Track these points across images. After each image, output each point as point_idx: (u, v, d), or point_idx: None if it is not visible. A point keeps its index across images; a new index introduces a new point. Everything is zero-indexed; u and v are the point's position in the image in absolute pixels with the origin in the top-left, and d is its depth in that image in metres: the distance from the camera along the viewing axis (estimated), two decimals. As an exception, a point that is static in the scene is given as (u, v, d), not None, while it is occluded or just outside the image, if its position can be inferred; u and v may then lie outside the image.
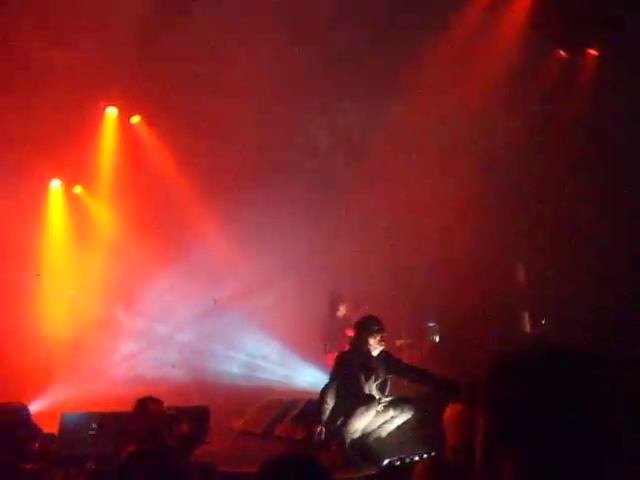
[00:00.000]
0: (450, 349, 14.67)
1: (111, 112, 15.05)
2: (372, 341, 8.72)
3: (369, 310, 13.46)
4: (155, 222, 14.89)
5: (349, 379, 8.60)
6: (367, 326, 8.87)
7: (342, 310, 12.79)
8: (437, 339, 16.23)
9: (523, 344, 14.34)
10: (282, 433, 10.41)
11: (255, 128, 14.74)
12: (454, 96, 14.24)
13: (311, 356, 12.93)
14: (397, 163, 14.95)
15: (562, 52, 14.41)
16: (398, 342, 14.50)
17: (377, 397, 8.62)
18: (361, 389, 8.59)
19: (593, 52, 14.40)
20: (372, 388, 8.69)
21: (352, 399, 8.44)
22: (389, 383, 8.93)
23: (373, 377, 8.68)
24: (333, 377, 8.81)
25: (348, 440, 8.36)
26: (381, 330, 8.79)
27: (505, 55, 13.49)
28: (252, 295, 14.28)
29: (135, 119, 15.28)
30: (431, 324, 16.34)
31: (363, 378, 8.62)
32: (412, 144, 14.98)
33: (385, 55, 13.30)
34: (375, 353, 8.78)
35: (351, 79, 14.13)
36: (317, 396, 8.95)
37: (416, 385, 9.88)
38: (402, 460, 8.44)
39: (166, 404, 9.00)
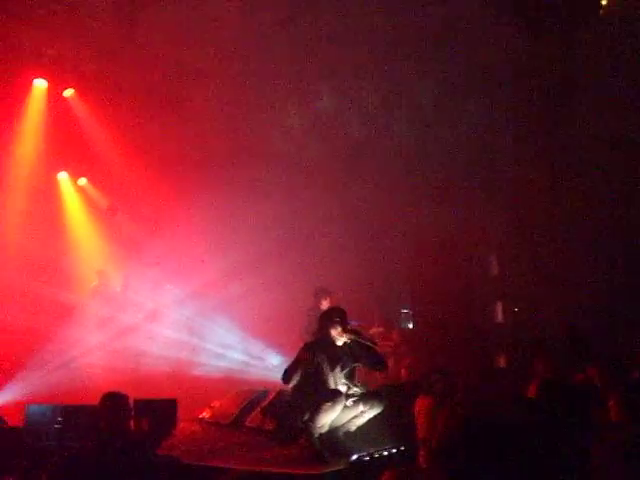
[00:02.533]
0: (423, 338, 14.65)
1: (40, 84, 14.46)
2: (333, 332, 8.67)
3: (341, 298, 13.47)
4: (127, 209, 14.72)
5: (313, 371, 8.52)
6: (328, 317, 8.81)
7: (325, 304, 12.69)
8: (410, 326, 16.22)
9: (494, 334, 14.42)
10: (252, 424, 10.32)
11: (222, 109, 14.49)
12: (426, 80, 14.20)
13: (288, 348, 12.78)
14: (371, 144, 14.84)
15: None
16: (371, 330, 14.47)
17: (344, 389, 8.54)
18: (326, 382, 8.50)
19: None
20: (338, 379, 8.59)
21: (318, 393, 8.35)
22: (356, 372, 8.84)
23: (338, 367, 8.60)
24: (289, 367, 8.68)
25: (316, 435, 8.28)
26: (341, 321, 8.69)
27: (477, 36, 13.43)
28: (225, 284, 14.09)
29: (68, 92, 14.75)
30: (404, 310, 16.33)
31: (328, 370, 8.53)
32: (387, 123, 14.87)
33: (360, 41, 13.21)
34: (339, 343, 8.68)
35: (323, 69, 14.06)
36: (288, 388, 8.88)
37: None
38: (371, 455, 8.40)
39: (133, 396, 8.95)
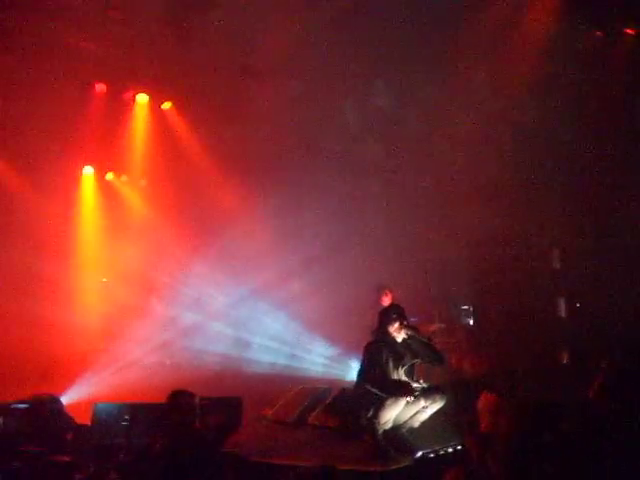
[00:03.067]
0: (485, 335, 14.57)
1: (142, 99, 14.95)
2: (391, 329, 8.81)
3: (401, 295, 13.46)
4: (188, 209, 14.87)
5: (377, 369, 8.59)
6: (386, 315, 8.91)
7: (387, 300, 12.69)
8: (471, 322, 16.11)
9: (556, 330, 14.25)
10: (315, 421, 10.30)
11: (289, 111, 14.58)
12: (488, 76, 14.10)
13: (352, 347, 12.78)
14: (429, 148, 14.78)
15: (598, 32, 14.10)
16: (432, 327, 14.43)
17: (406, 384, 8.56)
18: (389, 378, 8.56)
19: (630, 32, 14.09)
20: (401, 375, 8.66)
21: (380, 390, 8.40)
22: (416, 368, 8.88)
23: (400, 364, 8.68)
24: (362, 367, 8.79)
25: (380, 431, 8.32)
26: (399, 317, 8.81)
27: (540, 36, 13.27)
28: (286, 282, 14.17)
29: (166, 105, 15.18)
30: (465, 307, 16.22)
31: (391, 366, 8.63)
32: (447, 129, 14.80)
33: (417, 38, 13.13)
34: (399, 339, 8.74)
35: (383, 63, 14.01)
36: (351, 385, 8.94)
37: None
38: (436, 452, 8.40)
39: (199, 394, 9.06)
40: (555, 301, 15.12)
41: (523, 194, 14.64)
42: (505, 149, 14.58)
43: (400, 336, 8.81)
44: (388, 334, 8.81)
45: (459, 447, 8.60)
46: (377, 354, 8.72)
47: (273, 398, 11.28)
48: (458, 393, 10.33)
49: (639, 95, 13.76)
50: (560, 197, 14.31)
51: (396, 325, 8.79)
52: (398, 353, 8.75)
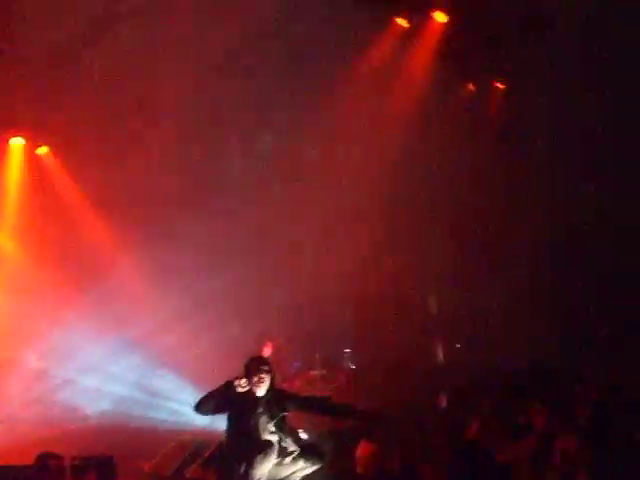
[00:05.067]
0: (367, 378, 14.68)
1: (17, 143, 14.58)
2: (252, 382, 8.46)
3: (283, 343, 13.47)
4: (64, 256, 14.45)
5: (240, 425, 8.43)
6: (248, 367, 8.67)
7: (267, 351, 12.65)
8: (353, 366, 16.21)
9: (435, 374, 14.52)
10: (193, 475, 10.20)
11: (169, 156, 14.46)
12: (370, 124, 14.39)
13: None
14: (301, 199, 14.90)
15: (470, 85, 14.67)
16: (313, 372, 14.47)
17: (275, 438, 8.42)
18: (254, 433, 8.37)
19: (500, 85, 14.71)
20: (266, 430, 8.46)
21: (249, 446, 8.26)
22: (286, 421, 8.73)
23: (264, 419, 8.46)
24: (228, 422, 8.60)
25: (254, 488, 8.17)
26: (259, 370, 8.53)
27: (416, 88, 13.68)
28: (164, 332, 13.90)
29: (42, 150, 14.83)
30: (347, 350, 16.33)
31: (253, 422, 8.41)
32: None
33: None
34: (260, 393, 8.56)
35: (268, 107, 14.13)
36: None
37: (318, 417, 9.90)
38: (313, 505, 8.34)
39: (72, 453, 8.82)
40: (433, 344, 15.44)
41: (403, 238, 14.93)
42: (385, 192, 14.83)
43: (261, 389, 8.59)
44: (231, 384, 8.25)
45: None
46: (238, 409, 8.51)
47: (151, 452, 11.10)
48: (339, 439, 10.42)
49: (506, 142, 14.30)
50: (438, 243, 14.70)
51: (256, 378, 8.41)
52: (258, 406, 8.52)
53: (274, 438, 8.39)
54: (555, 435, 7.23)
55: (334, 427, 11.49)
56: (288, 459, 8.38)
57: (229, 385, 8.43)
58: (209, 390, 8.57)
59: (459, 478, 6.57)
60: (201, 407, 8.42)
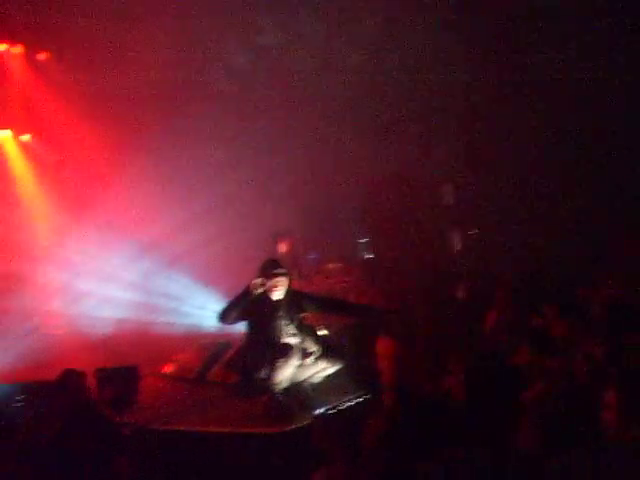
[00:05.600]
0: (383, 269, 14.67)
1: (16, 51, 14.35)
2: (268, 285, 8.52)
3: (299, 240, 13.43)
4: (72, 165, 14.36)
5: (260, 329, 8.47)
6: (262, 271, 8.65)
7: (283, 247, 12.62)
8: (369, 255, 16.23)
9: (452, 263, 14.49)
10: (215, 378, 10.27)
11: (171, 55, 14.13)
12: (375, 18, 14.01)
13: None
14: (319, 84, 14.57)
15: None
16: (330, 266, 14.49)
17: (296, 341, 8.48)
18: (275, 338, 8.44)
19: None
20: (287, 333, 8.51)
21: (269, 350, 8.32)
22: (304, 323, 8.77)
23: (284, 322, 8.51)
24: (247, 328, 8.64)
25: (277, 391, 8.27)
26: (275, 273, 8.58)
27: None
28: (178, 237, 13.85)
29: (42, 56, 14.55)
30: (362, 240, 16.32)
31: (273, 326, 8.46)
32: (337, 64, 14.62)
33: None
34: (277, 297, 8.58)
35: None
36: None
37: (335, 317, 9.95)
38: (338, 407, 8.44)
39: (95, 364, 8.93)
40: (449, 233, 15.36)
41: (416, 129, 14.67)
42: (398, 83, 14.50)
43: (278, 293, 8.61)
44: (253, 288, 8.49)
45: (360, 399, 8.72)
46: (252, 313, 8.53)
47: (172, 355, 11.22)
48: (357, 335, 10.46)
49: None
50: (453, 133, 14.42)
51: (270, 282, 8.54)
52: (276, 308, 8.55)
53: (294, 340, 8.51)
54: (575, 343, 7.07)
55: (352, 322, 11.57)
56: (309, 360, 8.51)
57: (249, 290, 8.46)
58: (229, 298, 8.64)
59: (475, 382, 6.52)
60: (225, 317, 8.51)
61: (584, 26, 12.64)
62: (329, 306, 9.30)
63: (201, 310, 13.13)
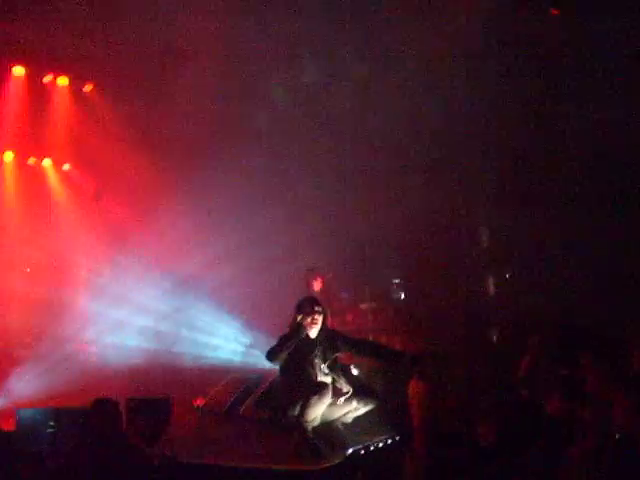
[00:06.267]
0: (417, 311, 14.60)
1: (62, 82, 14.59)
2: (306, 322, 8.57)
3: (332, 277, 13.41)
4: (112, 195, 14.51)
5: (294, 366, 8.48)
6: (300, 308, 8.70)
7: (316, 285, 12.63)
8: (402, 296, 16.15)
9: (486, 307, 14.37)
10: (246, 413, 10.26)
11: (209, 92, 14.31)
12: (417, 51, 14.08)
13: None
14: (358, 124, 14.65)
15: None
16: (363, 306, 14.45)
17: (329, 380, 8.49)
18: (309, 374, 8.44)
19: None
20: (320, 371, 8.52)
21: (303, 387, 8.32)
22: (337, 362, 8.75)
23: (318, 360, 8.52)
24: (281, 364, 8.65)
25: (309, 428, 8.25)
26: (313, 311, 8.61)
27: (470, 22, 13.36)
28: (212, 271, 13.93)
29: (88, 88, 14.79)
30: (396, 281, 16.25)
31: (308, 363, 8.47)
32: (376, 104, 14.70)
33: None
34: (313, 335, 8.61)
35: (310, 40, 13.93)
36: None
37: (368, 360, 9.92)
38: (367, 447, 8.39)
39: (126, 394, 8.95)
40: (485, 278, 15.25)
41: (454, 173, 14.66)
42: (437, 126, 14.53)
43: (314, 330, 8.65)
44: (302, 328, 8.60)
45: (390, 440, 8.67)
46: (291, 351, 8.54)
47: (204, 388, 11.23)
48: (390, 377, 10.42)
49: (565, 79, 13.82)
50: (489, 178, 14.37)
51: (309, 318, 8.59)
52: (312, 347, 8.57)
53: (328, 379, 8.51)
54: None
55: (384, 364, 11.53)
56: (341, 399, 8.50)
57: (299, 329, 8.53)
58: (279, 335, 8.69)
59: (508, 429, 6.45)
60: (275, 357, 8.51)
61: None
62: (363, 348, 9.25)
63: (234, 344, 13.15)
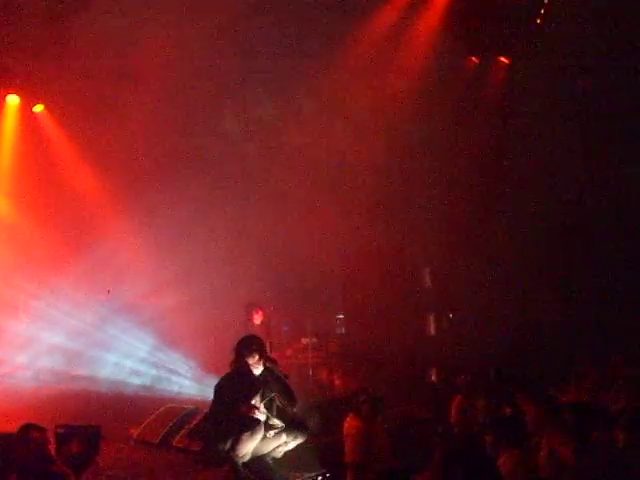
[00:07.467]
0: (358, 348, 14.62)
1: (12, 101, 14.41)
2: (250, 360, 8.58)
3: (273, 311, 13.39)
4: (56, 218, 14.26)
5: (231, 401, 8.44)
6: (245, 346, 8.69)
7: (257, 318, 12.58)
8: (343, 331, 16.18)
9: (426, 346, 14.49)
10: (179, 444, 10.22)
11: (163, 116, 14.25)
12: (367, 91, 14.23)
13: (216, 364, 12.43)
14: (306, 159, 14.70)
15: (474, 59, 14.52)
16: (304, 340, 14.43)
17: (263, 418, 8.47)
18: (244, 412, 8.42)
19: (504, 59, 14.59)
20: (256, 409, 8.50)
21: (237, 422, 8.28)
22: (275, 401, 8.73)
23: (257, 397, 8.51)
24: (216, 399, 8.61)
25: (240, 463, 8.22)
26: (258, 350, 8.63)
27: (419, 61, 13.54)
28: (151, 300, 13.78)
29: (38, 108, 14.62)
30: (339, 316, 16.28)
31: (246, 400, 8.45)
32: (323, 140, 14.82)
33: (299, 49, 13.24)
34: (257, 372, 8.61)
35: (263, 75, 14.00)
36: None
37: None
38: (299, 481, 8.40)
39: (59, 420, 8.79)
40: (425, 317, 15.40)
41: (397, 210, 14.80)
42: (381, 163, 14.68)
43: (258, 369, 8.65)
44: (246, 365, 8.60)
45: (321, 477, 8.66)
46: (229, 387, 8.53)
47: (138, 418, 11.11)
48: (325, 412, 10.41)
49: (511, 117, 14.17)
50: (433, 216, 14.55)
51: (256, 357, 8.60)
52: (253, 385, 8.58)
53: (262, 417, 8.47)
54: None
55: (321, 400, 11.54)
56: (271, 432, 8.47)
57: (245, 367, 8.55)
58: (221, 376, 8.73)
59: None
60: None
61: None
62: (287, 398, 9.14)
63: (173, 375, 13.07)
